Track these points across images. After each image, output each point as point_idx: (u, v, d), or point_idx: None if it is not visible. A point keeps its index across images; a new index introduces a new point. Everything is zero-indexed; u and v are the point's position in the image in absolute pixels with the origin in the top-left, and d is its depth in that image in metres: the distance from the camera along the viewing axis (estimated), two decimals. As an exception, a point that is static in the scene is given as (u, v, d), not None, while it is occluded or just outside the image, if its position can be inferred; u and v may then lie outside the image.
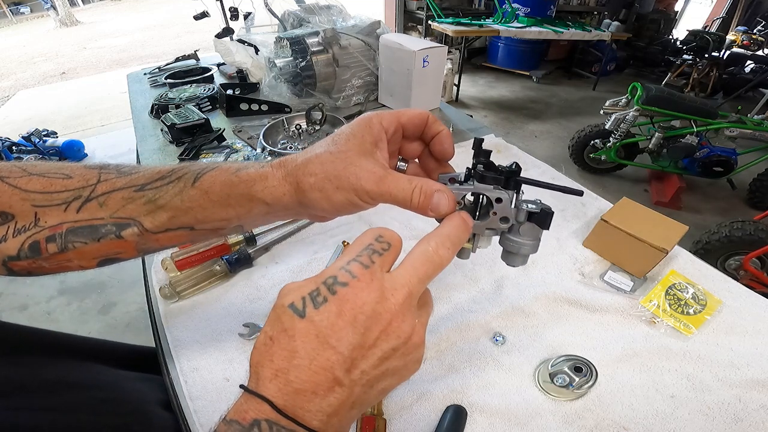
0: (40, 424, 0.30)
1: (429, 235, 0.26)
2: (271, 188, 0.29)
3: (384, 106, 1.06)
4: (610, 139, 2.34)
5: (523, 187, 0.30)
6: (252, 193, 0.29)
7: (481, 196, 0.31)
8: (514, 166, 0.30)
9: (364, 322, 0.22)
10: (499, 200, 0.30)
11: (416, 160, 0.35)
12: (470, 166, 0.32)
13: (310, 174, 0.28)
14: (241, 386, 0.23)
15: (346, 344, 0.22)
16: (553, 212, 0.30)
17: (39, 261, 0.29)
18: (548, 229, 0.30)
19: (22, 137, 2.69)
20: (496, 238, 0.32)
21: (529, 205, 0.30)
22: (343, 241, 0.60)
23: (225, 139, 0.88)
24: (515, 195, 0.30)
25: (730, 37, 4.61)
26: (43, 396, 0.33)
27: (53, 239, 0.29)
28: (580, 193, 0.33)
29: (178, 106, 0.96)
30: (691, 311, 0.50)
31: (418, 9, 4.33)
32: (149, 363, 0.48)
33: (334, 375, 0.22)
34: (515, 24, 3.59)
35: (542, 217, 0.30)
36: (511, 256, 0.31)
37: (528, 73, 4.57)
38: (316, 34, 0.96)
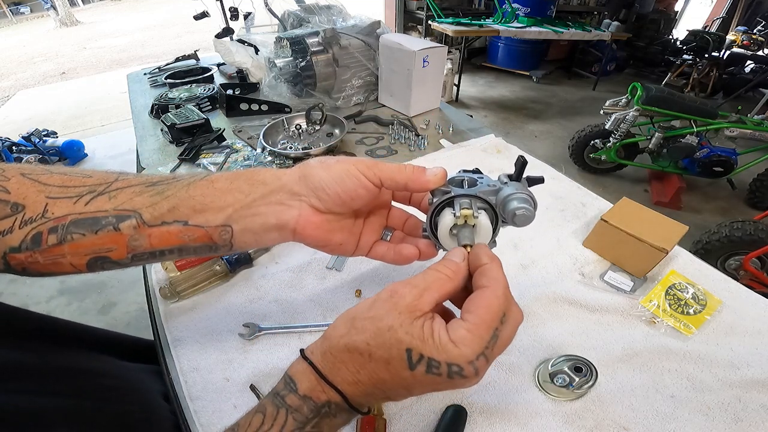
0: (43, 408, 0.30)
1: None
2: (273, 171, 0.32)
3: (384, 106, 1.06)
4: (610, 139, 2.34)
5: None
6: (254, 177, 0.31)
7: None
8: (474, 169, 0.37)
9: (452, 387, 0.25)
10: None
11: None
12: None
13: (313, 158, 0.32)
14: (314, 367, 0.27)
15: (421, 392, 0.26)
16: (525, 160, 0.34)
17: (35, 254, 0.29)
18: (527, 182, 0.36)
19: (22, 137, 2.69)
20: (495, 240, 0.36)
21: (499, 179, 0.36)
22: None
23: (225, 139, 0.88)
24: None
25: (730, 37, 4.61)
26: (48, 381, 0.33)
27: (55, 230, 0.29)
28: (541, 180, 0.37)
29: (178, 106, 0.96)
30: (691, 311, 0.50)
31: (418, 9, 4.33)
32: (152, 354, 0.49)
33: (395, 397, 0.27)
34: (515, 24, 3.59)
35: (518, 171, 0.35)
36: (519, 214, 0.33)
37: (528, 73, 4.57)
38: (316, 34, 0.96)
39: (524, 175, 0.35)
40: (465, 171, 0.38)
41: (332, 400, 0.26)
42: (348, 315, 0.28)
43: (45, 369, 0.34)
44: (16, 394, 0.29)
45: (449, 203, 0.34)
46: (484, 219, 0.34)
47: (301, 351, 0.28)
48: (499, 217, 0.34)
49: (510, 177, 0.35)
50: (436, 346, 0.24)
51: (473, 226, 0.34)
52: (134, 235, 0.30)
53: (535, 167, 0.79)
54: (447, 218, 0.34)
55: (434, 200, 0.34)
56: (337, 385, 0.26)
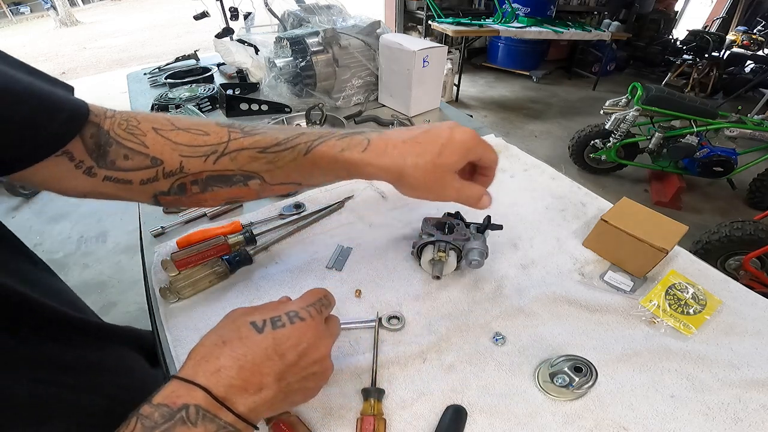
0: (39, 395, 0.30)
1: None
2: (371, 172, 0.36)
3: (384, 106, 1.06)
4: (610, 139, 2.34)
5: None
6: (353, 172, 0.37)
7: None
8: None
9: (305, 349, 0.30)
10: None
11: None
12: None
13: (413, 177, 0.36)
14: (174, 376, 0.27)
15: (286, 360, 0.29)
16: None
17: (182, 198, 0.37)
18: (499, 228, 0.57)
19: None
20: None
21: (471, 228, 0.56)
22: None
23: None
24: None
25: (730, 37, 4.62)
26: (54, 372, 0.33)
27: (196, 182, 0.36)
28: (500, 227, 0.56)
29: (178, 106, 0.96)
30: (691, 311, 0.50)
31: (418, 9, 4.33)
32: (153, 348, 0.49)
33: (266, 380, 0.28)
34: (515, 24, 3.59)
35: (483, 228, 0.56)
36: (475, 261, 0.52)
37: (528, 73, 4.57)
38: (316, 34, 0.96)
39: (491, 222, 0.56)
40: (449, 214, 0.57)
41: (191, 401, 0.25)
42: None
43: (53, 360, 0.33)
44: (14, 381, 0.29)
45: (432, 242, 0.52)
46: (452, 258, 0.52)
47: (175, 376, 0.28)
48: (462, 257, 0.53)
49: (478, 229, 0.55)
50: (274, 309, 0.32)
51: (444, 261, 0.51)
52: (261, 188, 0.38)
53: (535, 167, 0.79)
54: (428, 254, 0.52)
55: (422, 238, 0.53)
56: (196, 380, 0.26)
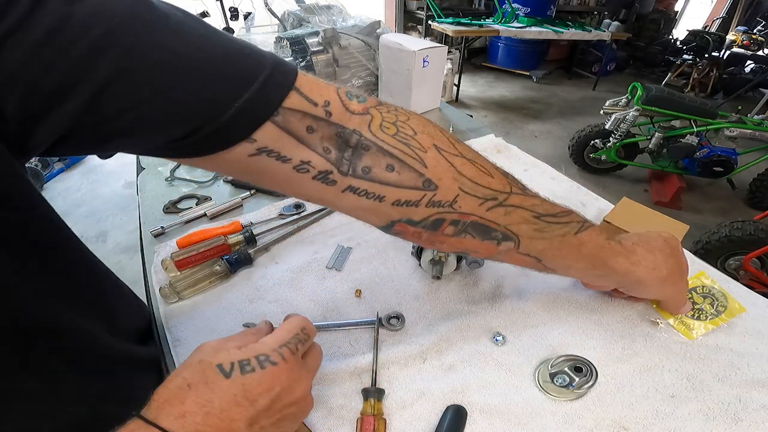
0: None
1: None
2: (627, 266, 0.36)
3: (384, 106, 1.06)
4: (610, 139, 2.34)
5: None
6: (610, 263, 0.36)
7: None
8: None
9: (279, 393, 0.27)
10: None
11: None
12: None
13: (664, 266, 0.40)
14: (139, 416, 0.25)
15: (257, 406, 0.26)
16: None
17: (425, 233, 0.31)
18: None
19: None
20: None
21: None
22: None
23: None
24: None
25: (730, 37, 4.62)
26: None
27: (456, 223, 0.31)
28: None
29: (178, 106, 0.96)
30: (703, 317, 0.48)
31: (418, 9, 4.33)
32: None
33: (236, 426, 0.25)
34: (515, 24, 3.59)
35: None
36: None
37: (528, 73, 4.57)
38: (316, 34, 0.96)
39: None
40: None
41: None
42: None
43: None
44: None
45: None
46: (452, 258, 0.51)
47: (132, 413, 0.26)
48: (462, 257, 0.53)
49: None
50: (243, 351, 0.28)
51: (444, 261, 0.50)
52: (504, 254, 0.34)
53: (535, 167, 0.79)
54: (428, 254, 0.51)
55: None
56: (159, 422, 0.24)
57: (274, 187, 0.30)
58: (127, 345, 0.40)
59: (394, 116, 0.30)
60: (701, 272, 0.52)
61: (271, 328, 0.33)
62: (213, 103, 0.24)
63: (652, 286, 0.37)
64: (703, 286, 0.50)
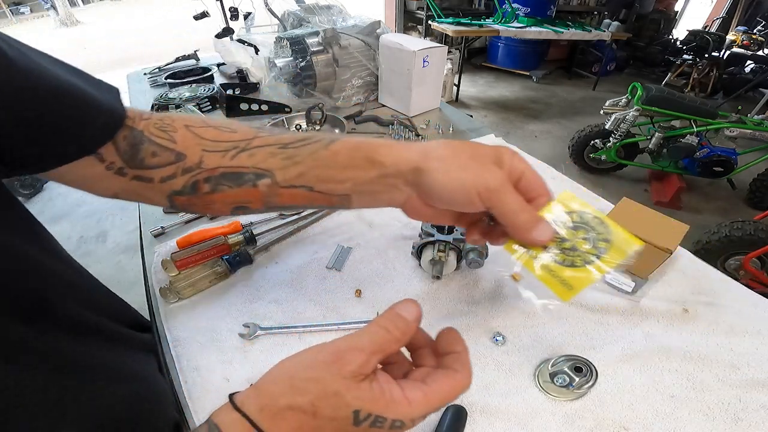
0: (55, 393, 0.30)
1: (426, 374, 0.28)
2: (394, 152, 0.32)
3: (384, 106, 1.06)
4: (610, 139, 2.34)
5: None
6: (374, 156, 0.32)
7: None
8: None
9: None
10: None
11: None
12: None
13: (439, 147, 0.31)
14: (244, 415, 0.25)
15: None
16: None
17: (193, 198, 0.35)
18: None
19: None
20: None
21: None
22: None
23: (225, 139, 0.88)
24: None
25: (730, 37, 4.62)
26: (70, 371, 0.32)
27: (209, 180, 0.34)
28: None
29: (178, 106, 0.96)
30: (578, 261, 0.30)
31: (418, 9, 4.33)
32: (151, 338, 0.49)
33: None
34: (515, 24, 3.59)
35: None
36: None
37: (528, 73, 4.57)
38: (316, 34, 0.96)
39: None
40: None
41: None
42: (285, 371, 0.26)
43: (70, 358, 0.33)
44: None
45: (432, 242, 0.52)
46: (452, 258, 0.52)
47: (231, 399, 0.26)
48: (462, 257, 0.53)
49: None
50: (387, 403, 0.25)
51: (444, 261, 0.51)
52: (268, 192, 0.35)
53: (535, 167, 0.79)
54: (428, 253, 0.52)
55: (422, 238, 0.53)
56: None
57: (85, 188, 0.35)
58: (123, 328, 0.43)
59: (164, 116, 0.35)
60: (566, 192, 0.33)
61: (416, 327, 0.29)
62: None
63: (436, 172, 0.29)
64: (570, 212, 0.32)
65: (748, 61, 4.55)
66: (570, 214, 0.32)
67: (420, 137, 0.88)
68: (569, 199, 0.32)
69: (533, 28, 3.49)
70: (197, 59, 1.41)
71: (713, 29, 5.13)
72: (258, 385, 0.26)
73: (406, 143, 0.32)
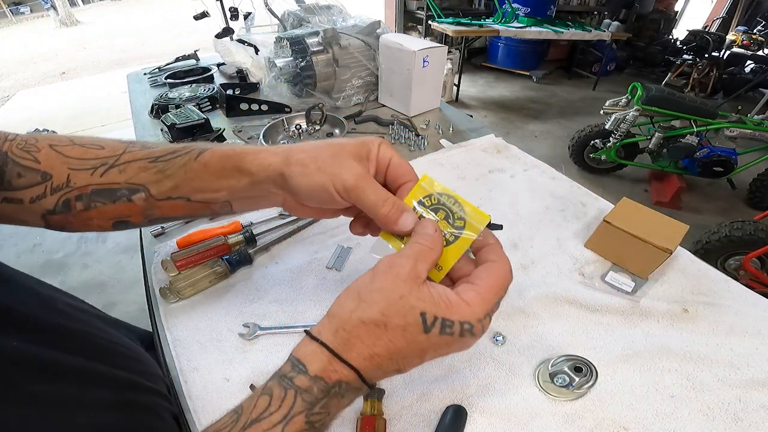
0: (58, 361, 0.30)
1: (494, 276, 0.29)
2: (260, 159, 0.32)
3: (384, 106, 1.06)
4: (610, 139, 2.34)
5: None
6: (242, 165, 0.33)
7: None
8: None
9: (457, 348, 0.28)
10: None
11: None
12: None
13: (301, 151, 0.32)
14: (325, 345, 0.26)
15: (431, 358, 0.28)
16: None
17: (68, 216, 0.34)
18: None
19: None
20: None
21: None
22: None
23: (225, 139, 0.88)
24: None
25: (730, 37, 4.61)
26: (65, 339, 0.33)
27: (81, 198, 0.34)
28: (500, 227, 0.44)
29: (178, 106, 0.96)
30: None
31: (418, 9, 4.34)
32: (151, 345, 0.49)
33: (404, 367, 0.28)
34: (515, 24, 3.59)
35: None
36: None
37: (528, 73, 4.57)
38: (316, 34, 0.96)
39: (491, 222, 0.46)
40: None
41: (344, 379, 0.26)
42: (352, 290, 0.28)
43: (62, 329, 0.34)
44: (33, 344, 0.29)
45: None
46: None
47: (307, 332, 0.28)
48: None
49: None
50: (448, 307, 0.26)
51: None
52: (145, 206, 0.35)
53: (535, 167, 0.79)
54: None
55: None
56: (351, 362, 0.26)
57: None
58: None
59: (29, 136, 0.35)
60: (425, 176, 0.34)
61: (440, 239, 0.30)
62: None
63: (298, 176, 0.31)
64: (429, 196, 0.33)
65: (748, 61, 4.55)
66: (429, 197, 0.33)
67: (420, 137, 0.88)
68: (428, 183, 0.34)
69: (533, 28, 3.48)
70: (197, 59, 1.41)
71: (713, 29, 5.13)
72: (330, 312, 0.28)
73: (272, 148, 0.33)
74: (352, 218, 0.37)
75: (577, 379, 0.41)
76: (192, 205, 0.35)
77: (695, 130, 2.14)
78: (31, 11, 11.25)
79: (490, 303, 0.28)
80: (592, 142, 2.47)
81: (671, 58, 4.54)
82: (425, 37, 4.05)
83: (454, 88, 3.80)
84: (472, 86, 4.37)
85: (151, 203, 0.35)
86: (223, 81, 1.22)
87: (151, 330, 0.50)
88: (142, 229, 0.63)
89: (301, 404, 0.25)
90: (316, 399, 0.25)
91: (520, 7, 3.90)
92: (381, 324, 0.26)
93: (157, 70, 1.32)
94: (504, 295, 0.29)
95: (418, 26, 4.42)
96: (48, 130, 3.01)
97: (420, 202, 0.33)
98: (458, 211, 0.33)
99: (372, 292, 0.27)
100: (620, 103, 2.28)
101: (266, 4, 1.19)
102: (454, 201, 0.33)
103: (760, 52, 4.64)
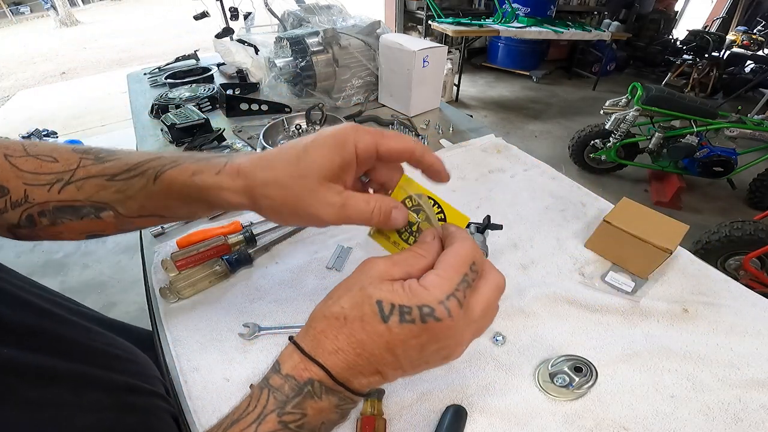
0: (53, 367, 0.30)
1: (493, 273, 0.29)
2: (227, 198, 0.30)
3: (384, 106, 1.06)
4: (610, 139, 2.34)
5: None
6: (209, 200, 0.31)
7: None
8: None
9: (434, 350, 0.26)
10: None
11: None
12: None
13: (267, 197, 0.29)
14: (297, 345, 0.27)
15: (406, 357, 0.26)
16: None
17: (36, 230, 0.33)
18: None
19: (22, 137, 2.70)
20: None
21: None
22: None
23: (225, 139, 0.88)
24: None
25: (730, 37, 4.62)
26: (60, 345, 0.33)
27: (44, 214, 0.33)
28: (500, 227, 0.51)
29: (178, 106, 0.96)
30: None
31: (418, 9, 4.34)
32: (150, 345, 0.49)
33: (383, 369, 0.26)
34: (515, 24, 3.60)
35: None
36: None
37: (528, 73, 4.57)
38: (316, 34, 0.96)
39: (491, 221, 0.52)
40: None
41: (315, 377, 0.25)
42: (327, 294, 0.29)
43: (56, 335, 0.34)
44: (26, 350, 0.29)
45: None
46: None
47: (290, 337, 0.28)
48: None
49: (478, 228, 0.52)
50: (406, 293, 0.25)
51: None
52: (117, 222, 0.34)
53: (535, 167, 0.79)
54: None
55: None
56: (318, 358, 0.26)
57: None
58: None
59: None
60: (404, 177, 0.33)
61: (440, 245, 0.29)
62: None
63: (270, 214, 0.30)
64: (409, 197, 0.33)
65: (748, 61, 4.55)
66: (410, 198, 0.33)
67: (420, 137, 0.88)
68: (407, 184, 0.33)
69: (533, 28, 3.49)
70: (197, 59, 1.41)
71: (713, 29, 5.13)
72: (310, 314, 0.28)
73: (230, 174, 0.30)
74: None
75: (577, 379, 0.41)
76: (166, 219, 0.35)
77: (695, 130, 2.14)
78: (31, 11, 11.25)
79: (452, 282, 0.25)
80: (592, 142, 2.47)
81: (671, 58, 4.54)
82: (425, 37, 4.05)
83: (454, 88, 3.80)
84: (472, 86, 4.37)
85: (123, 220, 0.34)
86: (223, 81, 1.22)
87: (151, 329, 0.50)
88: (142, 229, 0.63)
89: (273, 403, 0.25)
90: (288, 398, 0.25)
91: (520, 7, 3.91)
92: (340, 317, 0.26)
93: (157, 70, 1.32)
94: (469, 272, 0.26)
95: (418, 26, 4.42)
96: (48, 130, 3.01)
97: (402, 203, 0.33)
98: (439, 212, 0.32)
99: (338, 289, 0.28)
100: (620, 103, 2.28)
101: (266, 4, 1.19)
102: (434, 203, 0.33)
103: (760, 52, 4.64)
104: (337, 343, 0.26)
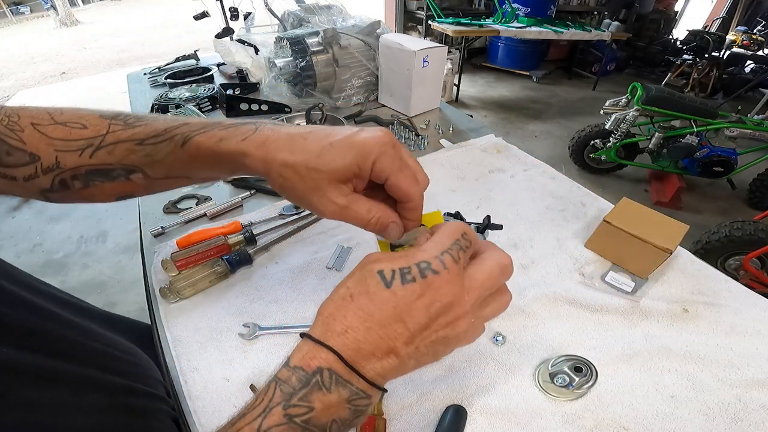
0: (52, 368, 0.30)
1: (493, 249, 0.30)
2: (247, 164, 0.32)
3: (384, 106, 1.06)
4: (610, 139, 2.34)
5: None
6: (232, 164, 0.33)
7: None
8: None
9: (438, 309, 0.26)
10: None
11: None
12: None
13: (281, 176, 0.31)
14: (307, 335, 0.26)
15: (415, 323, 0.25)
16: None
17: (68, 194, 0.35)
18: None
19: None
20: None
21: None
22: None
23: (225, 139, 0.88)
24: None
25: (730, 37, 4.61)
26: (59, 345, 0.33)
27: (77, 177, 0.34)
28: (500, 227, 0.51)
29: (178, 106, 0.96)
30: None
31: (418, 9, 4.33)
32: (149, 341, 0.49)
33: (395, 345, 0.25)
34: (515, 24, 3.59)
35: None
36: None
37: (528, 73, 4.57)
38: (316, 34, 0.96)
39: (491, 221, 0.52)
40: (448, 214, 0.52)
41: (324, 364, 0.25)
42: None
43: (56, 336, 0.33)
44: (26, 351, 0.29)
45: None
46: None
47: (301, 334, 0.28)
48: None
49: (478, 228, 0.51)
50: (404, 257, 0.27)
51: None
52: (146, 183, 0.36)
53: (535, 167, 0.79)
54: None
55: None
56: (327, 341, 0.25)
57: None
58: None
59: (10, 111, 0.34)
60: (437, 213, 0.36)
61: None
62: None
63: (280, 175, 0.30)
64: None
65: (748, 61, 4.55)
66: None
67: (420, 137, 0.88)
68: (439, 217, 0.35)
69: (533, 28, 3.48)
70: (197, 59, 1.41)
71: (713, 29, 5.13)
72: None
73: (253, 146, 0.31)
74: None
75: (577, 379, 0.41)
76: (192, 181, 0.38)
77: (695, 130, 2.14)
78: (31, 11, 11.24)
79: (444, 244, 0.27)
80: (592, 142, 2.47)
81: (671, 58, 4.54)
82: (425, 37, 4.05)
83: (454, 88, 3.80)
84: (472, 86, 4.37)
85: (151, 182, 0.36)
86: (223, 81, 1.22)
87: (152, 333, 0.50)
88: (142, 229, 0.63)
89: (279, 395, 0.25)
90: (294, 390, 0.25)
91: (520, 7, 3.90)
92: (346, 296, 0.27)
93: (157, 70, 1.32)
94: (461, 238, 0.28)
95: (418, 26, 4.42)
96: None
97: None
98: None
99: (344, 279, 0.28)
100: (620, 103, 2.28)
101: (266, 4, 1.19)
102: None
103: (760, 52, 4.64)
104: (345, 322, 0.26)
